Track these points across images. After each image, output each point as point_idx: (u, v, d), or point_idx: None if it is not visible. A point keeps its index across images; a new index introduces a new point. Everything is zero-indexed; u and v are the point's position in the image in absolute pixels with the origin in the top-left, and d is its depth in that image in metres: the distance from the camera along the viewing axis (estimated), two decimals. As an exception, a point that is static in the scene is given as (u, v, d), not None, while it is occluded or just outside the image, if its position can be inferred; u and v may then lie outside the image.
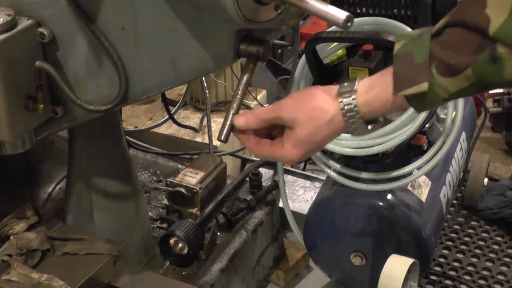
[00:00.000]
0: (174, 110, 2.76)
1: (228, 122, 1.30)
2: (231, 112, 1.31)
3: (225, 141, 1.31)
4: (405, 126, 1.78)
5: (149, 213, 2.05)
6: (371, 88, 1.17)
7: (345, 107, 1.17)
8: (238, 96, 1.33)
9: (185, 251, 1.87)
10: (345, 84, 1.19)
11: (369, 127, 1.19)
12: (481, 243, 2.37)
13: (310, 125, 1.20)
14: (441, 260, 2.30)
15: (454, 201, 2.52)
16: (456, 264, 2.29)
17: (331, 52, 1.90)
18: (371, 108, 1.17)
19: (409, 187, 1.92)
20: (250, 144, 1.29)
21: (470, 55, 1.05)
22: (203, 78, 2.70)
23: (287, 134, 1.23)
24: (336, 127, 1.20)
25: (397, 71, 1.13)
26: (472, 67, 1.05)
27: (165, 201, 2.04)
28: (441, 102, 1.12)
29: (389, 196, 1.88)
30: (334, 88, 1.20)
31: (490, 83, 1.08)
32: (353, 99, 1.17)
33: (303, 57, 1.86)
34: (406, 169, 1.85)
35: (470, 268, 2.27)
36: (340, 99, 1.18)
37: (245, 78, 1.34)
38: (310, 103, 1.21)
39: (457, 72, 1.07)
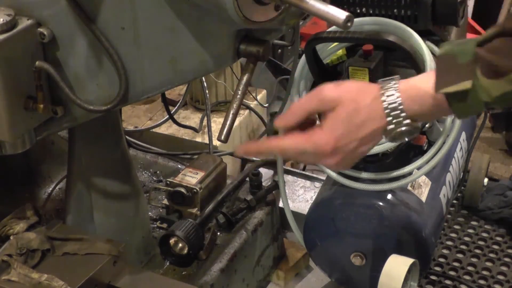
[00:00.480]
0: (174, 110, 2.76)
1: (228, 122, 1.30)
2: (231, 112, 1.31)
3: (225, 141, 1.31)
4: (405, 126, 1.77)
5: (149, 213, 2.05)
6: (411, 80, 1.16)
7: (385, 91, 1.14)
8: (238, 96, 1.33)
9: (185, 251, 1.87)
10: (386, 78, 1.17)
11: (408, 121, 1.14)
12: (481, 243, 2.37)
13: (353, 103, 1.15)
14: (441, 260, 2.30)
15: (454, 201, 2.52)
16: (456, 264, 2.28)
17: (331, 52, 1.90)
18: (410, 97, 1.13)
19: (409, 187, 1.92)
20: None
21: None
22: (203, 78, 2.70)
23: (326, 115, 1.17)
24: (374, 115, 1.15)
25: (440, 69, 1.12)
26: None
27: (165, 201, 2.04)
28: (481, 107, 1.10)
29: (389, 196, 1.88)
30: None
31: None
32: (395, 83, 1.14)
33: (303, 57, 1.85)
34: (406, 169, 1.85)
35: (470, 268, 2.27)
36: (381, 85, 1.16)
37: (245, 78, 1.34)
38: (353, 85, 1.18)
39: (502, 74, 1.06)
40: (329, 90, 1.18)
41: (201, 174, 2.04)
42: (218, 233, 2.03)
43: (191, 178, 2.03)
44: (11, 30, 1.29)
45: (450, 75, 1.10)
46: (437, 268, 2.26)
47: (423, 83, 1.14)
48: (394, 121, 1.15)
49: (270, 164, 2.46)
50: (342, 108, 1.16)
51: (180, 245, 1.88)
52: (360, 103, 1.15)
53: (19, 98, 1.35)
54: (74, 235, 1.65)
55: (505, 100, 1.09)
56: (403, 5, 1.83)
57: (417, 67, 1.71)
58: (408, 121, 1.14)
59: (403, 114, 1.14)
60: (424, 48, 1.72)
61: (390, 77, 1.17)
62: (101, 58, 1.39)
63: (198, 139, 2.75)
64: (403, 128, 1.15)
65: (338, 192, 1.94)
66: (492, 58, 1.07)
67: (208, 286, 1.87)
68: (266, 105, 2.99)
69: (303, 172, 2.58)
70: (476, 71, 1.08)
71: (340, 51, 1.90)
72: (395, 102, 1.14)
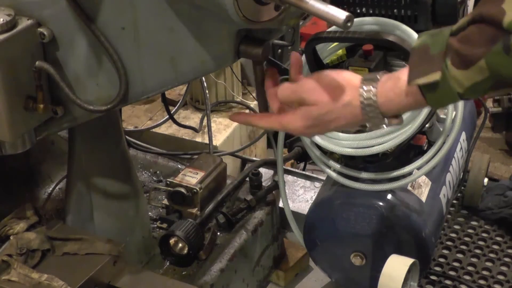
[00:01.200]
0: (174, 110, 2.76)
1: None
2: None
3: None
4: (405, 126, 1.78)
5: (149, 213, 2.05)
6: (390, 79, 1.18)
7: (364, 93, 1.19)
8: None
9: (185, 251, 1.87)
10: (371, 73, 1.22)
11: (386, 120, 1.20)
12: (481, 243, 2.37)
13: (327, 106, 1.22)
14: (441, 260, 2.30)
15: (454, 201, 2.52)
16: (456, 264, 2.28)
17: (331, 52, 1.90)
18: (387, 98, 1.17)
19: (409, 187, 1.92)
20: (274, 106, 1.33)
21: (484, 47, 1.05)
22: (203, 78, 2.70)
23: (302, 104, 1.25)
24: (351, 112, 1.21)
25: (412, 62, 1.14)
26: (485, 58, 1.05)
27: (165, 201, 2.04)
28: (455, 97, 1.11)
29: (389, 196, 1.88)
30: (359, 75, 1.23)
31: (504, 77, 1.06)
32: (374, 86, 1.18)
33: (303, 57, 1.85)
34: (406, 169, 1.85)
35: (470, 268, 2.27)
36: (362, 85, 1.19)
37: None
38: (333, 84, 1.22)
39: (470, 63, 1.06)
40: (309, 91, 1.24)
41: (201, 174, 2.04)
42: (218, 233, 2.03)
43: (191, 178, 2.03)
44: (11, 30, 1.29)
45: (422, 67, 1.12)
46: (437, 268, 2.26)
47: (399, 81, 1.17)
48: (372, 120, 1.21)
49: (270, 164, 2.46)
50: (316, 108, 1.23)
51: (180, 245, 1.88)
52: (335, 104, 1.21)
53: (19, 98, 1.35)
54: (74, 235, 1.65)
55: (477, 91, 1.10)
56: (403, 5, 1.83)
57: (417, 67, 1.71)
58: (385, 120, 1.20)
59: (379, 115, 1.19)
60: (424, 48, 1.72)
61: (372, 75, 1.20)
62: (101, 58, 1.39)
63: (198, 139, 2.75)
64: (384, 125, 1.22)
65: (338, 192, 1.94)
66: (461, 47, 1.07)
67: (208, 286, 1.87)
68: (266, 105, 2.98)
69: (303, 172, 2.58)
70: (446, 62, 1.09)
71: (340, 51, 1.90)
72: (371, 105, 1.18)
